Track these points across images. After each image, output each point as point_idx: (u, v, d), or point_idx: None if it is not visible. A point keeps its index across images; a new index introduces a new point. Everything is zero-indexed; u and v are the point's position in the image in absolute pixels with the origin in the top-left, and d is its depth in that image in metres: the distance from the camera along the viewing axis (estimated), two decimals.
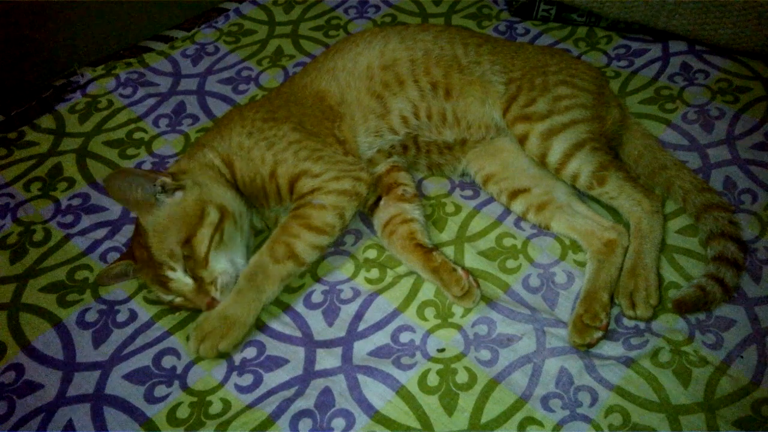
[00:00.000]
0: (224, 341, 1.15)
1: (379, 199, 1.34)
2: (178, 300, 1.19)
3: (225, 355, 1.17)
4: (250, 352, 1.17)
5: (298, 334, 1.20)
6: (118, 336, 1.21)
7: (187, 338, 1.18)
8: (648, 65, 1.65)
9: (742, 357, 1.10)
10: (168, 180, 1.19)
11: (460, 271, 1.19)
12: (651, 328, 1.15)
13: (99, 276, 1.24)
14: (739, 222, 1.26)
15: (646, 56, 1.67)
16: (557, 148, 1.28)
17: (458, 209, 1.38)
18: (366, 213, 1.37)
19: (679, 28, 1.64)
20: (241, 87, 1.71)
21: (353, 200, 1.26)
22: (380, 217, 1.32)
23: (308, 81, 1.41)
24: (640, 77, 1.62)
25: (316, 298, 1.25)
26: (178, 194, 1.20)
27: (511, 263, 1.28)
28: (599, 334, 1.12)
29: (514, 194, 1.34)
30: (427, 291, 1.24)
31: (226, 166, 1.29)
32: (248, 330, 1.18)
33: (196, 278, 1.17)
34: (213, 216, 1.19)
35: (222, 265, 1.19)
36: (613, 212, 1.32)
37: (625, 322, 1.17)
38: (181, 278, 1.17)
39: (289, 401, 1.10)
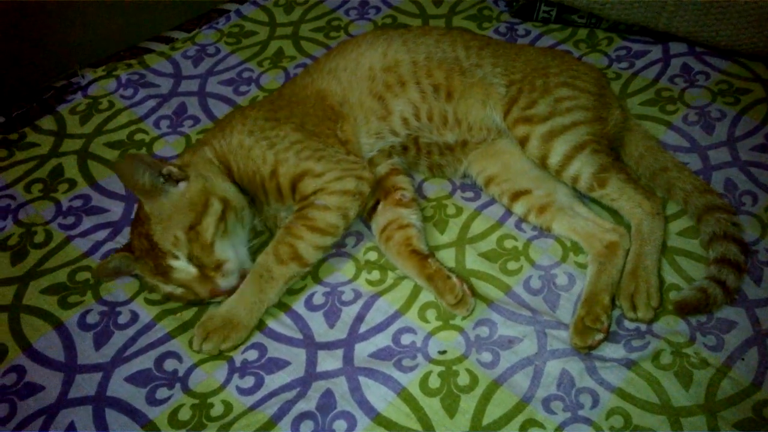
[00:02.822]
0: (227, 342, 1.16)
1: (377, 203, 1.34)
2: (179, 291, 1.20)
3: (227, 355, 1.17)
4: (252, 354, 1.17)
5: (299, 335, 1.20)
6: (119, 338, 1.21)
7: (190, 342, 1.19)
8: (649, 67, 1.64)
9: (743, 359, 1.10)
10: (174, 169, 1.20)
11: (454, 278, 1.19)
12: (652, 330, 1.15)
13: (97, 269, 1.24)
14: (740, 224, 1.26)
15: (647, 58, 1.67)
16: (558, 150, 1.28)
17: (459, 211, 1.38)
18: (365, 217, 1.37)
19: (679, 29, 1.64)
20: (242, 88, 1.71)
21: (356, 199, 1.27)
22: (378, 222, 1.32)
23: (309, 81, 1.42)
24: (640, 79, 1.61)
25: (317, 299, 1.25)
26: (182, 185, 1.21)
27: (512, 265, 1.28)
28: (600, 336, 1.12)
29: (516, 196, 1.34)
30: (428, 293, 1.24)
31: (221, 164, 1.29)
32: (251, 331, 1.19)
33: (200, 266, 1.17)
34: (216, 206, 1.20)
35: (227, 253, 1.20)
36: (615, 214, 1.32)
37: (626, 324, 1.17)
38: (184, 267, 1.17)
39: (291, 403, 1.10)
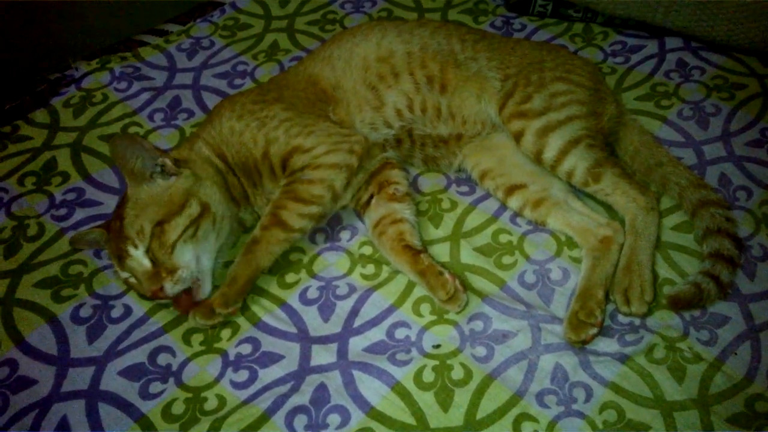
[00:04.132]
0: (216, 299, 1.17)
1: (371, 197, 1.34)
2: (132, 279, 1.18)
3: (221, 348, 1.17)
4: (245, 348, 1.17)
5: (293, 330, 1.19)
6: (112, 331, 1.21)
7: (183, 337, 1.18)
8: (644, 61, 1.64)
9: (736, 354, 1.11)
10: (169, 162, 1.20)
11: (446, 274, 1.19)
12: (646, 325, 1.16)
13: (73, 238, 1.26)
14: (735, 219, 1.26)
15: (642, 52, 1.67)
16: (553, 145, 1.28)
17: (454, 205, 1.38)
18: (358, 211, 1.37)
19: (675, 24, 1.64)
20: (237, 81, 1.70)
21: (343, 172, 1.27)
22: (371, 217, 1.32)
23: (302, 69, 1.43)
24: (636, 73, 1.62)
25: (312, 294, 1.25)
26: (172, 179, 1.21)
27: (506, 259, 1.28)
28: (594, 330, 1.12)
29: (511, 190, 1.34)
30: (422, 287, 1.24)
31: (217, 157, 1.29)
32: (240, 288, 1.19)
33: (155, 264, 1.15)
34: (194, 209, 1.19)
35: (187, 258, 1.17)
36: (609, 209, 1.32)
37: (620, 318, 1.17)
38: (139, 258, 1.15)
39: (285, 397, 1.10)
